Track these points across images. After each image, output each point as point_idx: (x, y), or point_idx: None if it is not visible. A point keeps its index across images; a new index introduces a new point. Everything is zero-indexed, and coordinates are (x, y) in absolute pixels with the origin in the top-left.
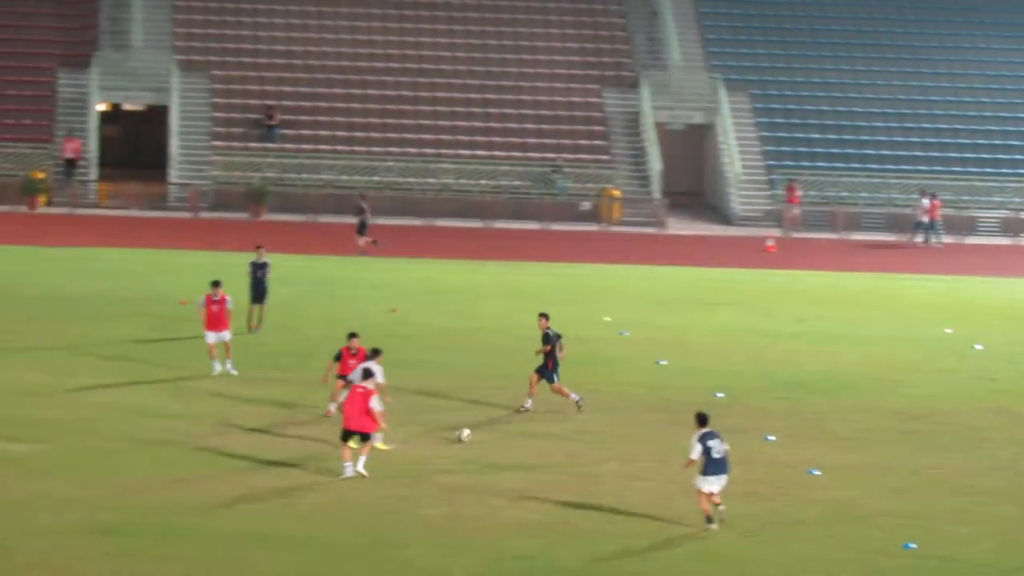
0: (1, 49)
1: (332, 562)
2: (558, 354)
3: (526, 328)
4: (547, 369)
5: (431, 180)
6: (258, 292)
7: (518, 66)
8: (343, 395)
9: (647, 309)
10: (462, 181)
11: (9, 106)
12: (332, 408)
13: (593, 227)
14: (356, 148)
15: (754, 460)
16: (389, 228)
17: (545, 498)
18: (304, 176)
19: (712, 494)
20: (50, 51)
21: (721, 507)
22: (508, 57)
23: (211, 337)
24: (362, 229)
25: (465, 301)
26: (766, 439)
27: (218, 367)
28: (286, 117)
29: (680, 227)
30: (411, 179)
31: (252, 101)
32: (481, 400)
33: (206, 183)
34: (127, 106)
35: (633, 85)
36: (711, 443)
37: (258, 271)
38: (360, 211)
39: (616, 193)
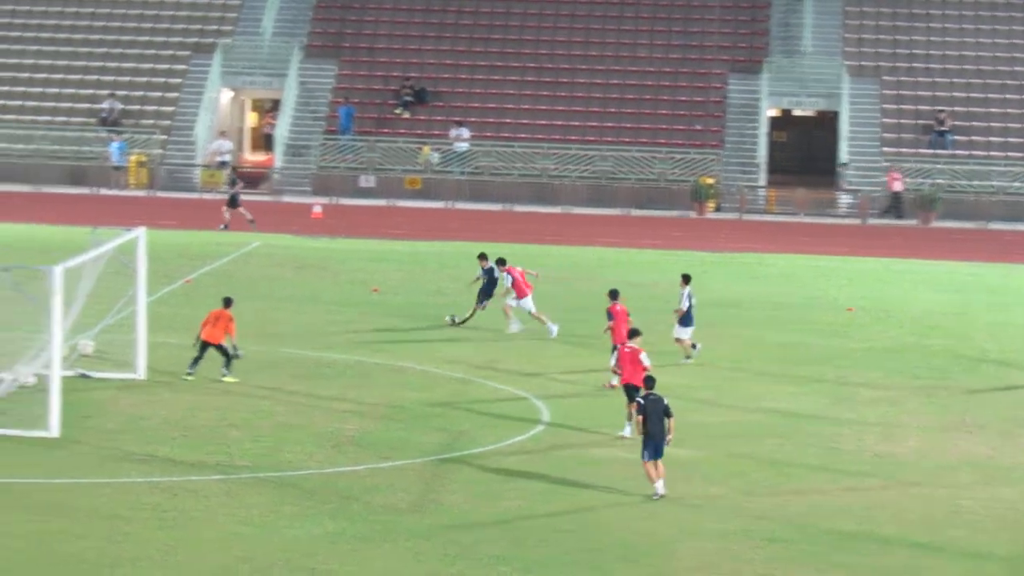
0: (675, 56)
1: (1002, 574)
2: None
3: None
4: None
5: None
6: (486, 293)
7: None
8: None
9: None
10: None
11: (681, 112)
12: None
13: None
14: None
15: None
16: None
17: None
18: (975, 183)
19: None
20: (721, 57)
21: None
22: None
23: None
24: (233, 202)
25: None
26: None
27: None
28: (957, 123)
29: None
30: None
31: (923, 107)
32: None
33: (877, 190)
34: (797, 112)
35: None
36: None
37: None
38: (232, 183)
39: None
